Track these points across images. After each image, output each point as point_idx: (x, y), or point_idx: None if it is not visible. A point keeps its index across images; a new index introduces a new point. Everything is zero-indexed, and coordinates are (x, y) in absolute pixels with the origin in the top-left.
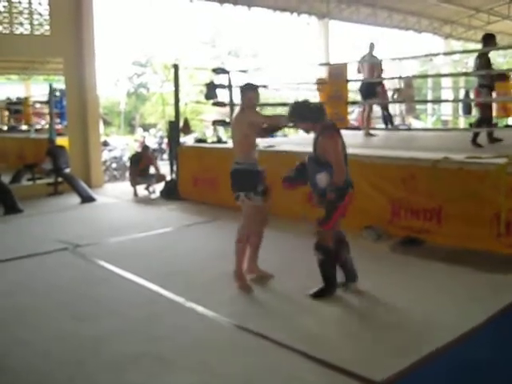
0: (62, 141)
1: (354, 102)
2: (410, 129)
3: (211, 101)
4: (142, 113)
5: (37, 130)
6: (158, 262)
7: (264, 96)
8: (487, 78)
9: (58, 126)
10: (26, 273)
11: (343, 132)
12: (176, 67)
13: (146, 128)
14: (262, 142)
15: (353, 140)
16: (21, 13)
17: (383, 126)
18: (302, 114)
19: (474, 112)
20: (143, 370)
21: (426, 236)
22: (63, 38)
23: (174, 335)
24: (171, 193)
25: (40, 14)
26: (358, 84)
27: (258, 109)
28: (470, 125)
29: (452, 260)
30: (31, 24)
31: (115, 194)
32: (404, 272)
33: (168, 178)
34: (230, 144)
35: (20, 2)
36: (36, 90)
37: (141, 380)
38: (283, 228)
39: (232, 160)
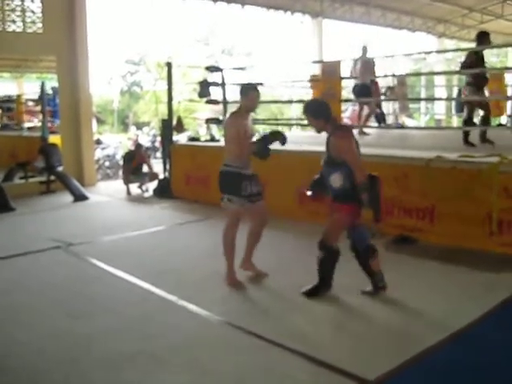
0: (54, 139)
1: (347, 100)
2: (402, 127)
3: (204, 99)
4: (135, 111)
5: (29, 128)
6: (151, 260)
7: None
8: (474, 76)
9: (51, 124)
10: (20, 271)
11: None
12: (169, 65)
13: (139, 126)
14: None
15: None
16: (13, 10)
17: (376, 124)
18: (316, 111)
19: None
20: (138, 368)
21: (418, 235)
22: (56, 36)
23: (167, 333)
24: (164, 191)
25: (33, 12)
26: (352, 82)
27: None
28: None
29: (445, 259)
30: (24, 22)
31: (108, 193)
32: (397, 270)
33: (161, 176)
34: (223, 142)
35: (12, 0)
36: (29, 88)
37: (135, 378)
38: (280, 228)
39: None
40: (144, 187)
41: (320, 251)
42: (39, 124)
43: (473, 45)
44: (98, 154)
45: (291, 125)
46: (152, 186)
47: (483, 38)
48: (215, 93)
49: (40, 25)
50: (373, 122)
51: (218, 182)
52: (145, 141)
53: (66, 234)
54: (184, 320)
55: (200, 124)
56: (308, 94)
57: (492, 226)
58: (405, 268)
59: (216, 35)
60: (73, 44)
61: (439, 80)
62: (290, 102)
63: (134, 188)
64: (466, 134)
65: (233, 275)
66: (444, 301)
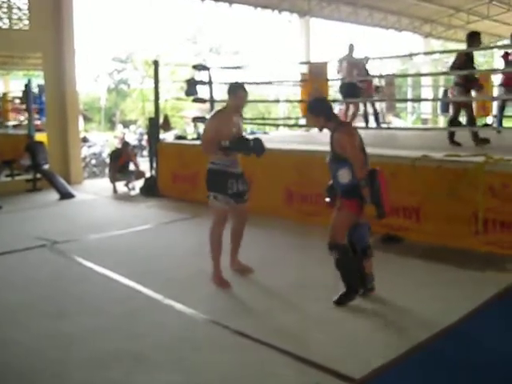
0: (41, 136)
1: (334, 101)
2: (389, 128)
3: (192, 97)
4: (122, 109)
5: (15, 126)
6: (137, 258)
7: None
8: (462, 77)
9: (37, 122)
10: (5, 269)
11: (324, 130)
12: (156, 63)
13: (126, 124)
14: None
15: None
16: None
17: (364, 124)
18: (316, 108)
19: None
20: (124, 367)
21: (405, 233)
22: (42, 33)
23: (152, 332)
24: (151, 190)
25: (19, 9)
26: (339, 83)
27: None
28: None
29: (431, 257)
30: (10, 18)
31: (94, 191)
32: (384, 269)
33: (147, 174)
34: None
35: None
36: (16, 85)
37: (121, 377)
38: (267, 226)
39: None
40: (130, 185)
41: (332, 252)
42: (25, 122)
43: (459, 45)
44: (85, 151)
45: (278, 125)
46: (138, 184)
47: (474, 39)
48: (202, 91)
49: (26, 22)
50: (361, 122)
51: (204, 179)
52: (131, 139)
53: (52, 232)
54: (170, 319)
55: (187, 122)
56: (296, 94)
57: (478, 225)
58: (392, 267)
59: (204, 34)
60: (59, 41)
61: (426, 80)
62: (277, 101)
63: (121, 186)
64: (452, 134)
65: (219, 274)
66: (431, 299)
